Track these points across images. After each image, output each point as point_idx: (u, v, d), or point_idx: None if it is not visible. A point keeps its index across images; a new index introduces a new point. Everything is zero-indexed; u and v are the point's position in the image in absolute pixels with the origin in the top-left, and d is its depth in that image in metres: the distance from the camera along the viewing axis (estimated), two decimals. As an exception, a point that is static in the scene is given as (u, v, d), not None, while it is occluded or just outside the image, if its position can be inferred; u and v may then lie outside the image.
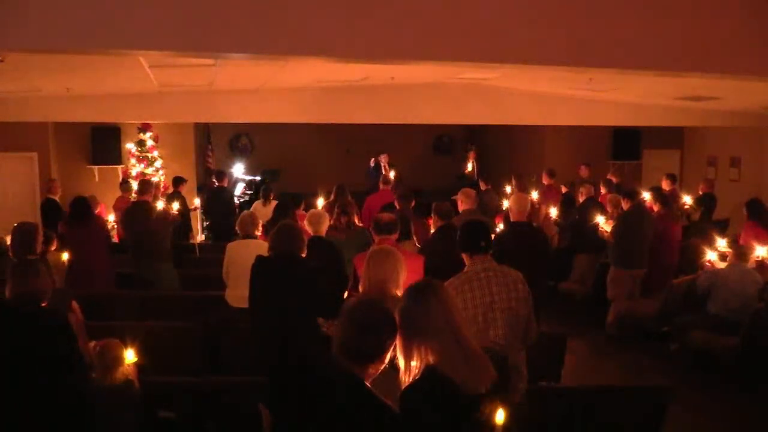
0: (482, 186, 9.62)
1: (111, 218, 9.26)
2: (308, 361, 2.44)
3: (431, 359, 2.29)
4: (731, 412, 5.28)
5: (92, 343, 3.58)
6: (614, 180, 9.73)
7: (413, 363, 2.32)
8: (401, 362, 2.34)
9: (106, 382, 3.40)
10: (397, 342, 2.32)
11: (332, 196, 7.39)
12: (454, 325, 2.36)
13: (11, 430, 3.10)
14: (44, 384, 3.11)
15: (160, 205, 7.37)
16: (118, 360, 3.46)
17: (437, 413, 2.23)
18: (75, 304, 4.00)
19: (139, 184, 7.34)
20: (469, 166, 13.52)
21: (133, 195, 10.06)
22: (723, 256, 6.68)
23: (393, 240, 4.39)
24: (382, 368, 2.28)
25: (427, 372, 2.28)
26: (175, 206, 8.28)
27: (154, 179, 10.44)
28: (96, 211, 8.26)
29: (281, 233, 4.07)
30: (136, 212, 6.80)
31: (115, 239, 8.72)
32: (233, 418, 3.75)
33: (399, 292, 3.15)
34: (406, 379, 2.34)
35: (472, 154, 13.55)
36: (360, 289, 3.30)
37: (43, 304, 3.29)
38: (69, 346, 3.24)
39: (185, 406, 3.81)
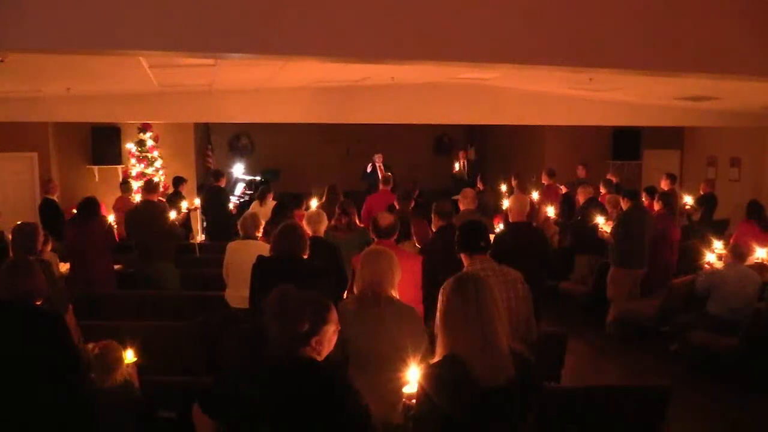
0: (480, 186, 9.64)
1: (111, 218, 9.25)
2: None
3: (455, 347, 2.32)
4: (731, 412, 5.29)
5: (90, 345, 3.57)
6: (614, 180, 9.72)
7: (440, 350, 2.36)
8: (437, 348, 2.39)
9: (105, 384, 3.40)
10: (437, 329, 2.39)
11: (324, 197, 7.39)
12: (487, 317, 2.37)
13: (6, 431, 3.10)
14: (39, 383, 3.11)
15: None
16: (118, 362, 3.46)
17: (448, 396, 2.25)
18: (69, 308, 4.00)
19: (146, 184, 7.34)
20: (457, 166, 13.52)
21: (133, 195, 10.09)
22: (721, 257, 6.69)
23: (392, 242, 4.39)
24: (322, 353, 2.29)
25: (446, 357, 2.32)
26: (185, 205, 8.32)
27: (155, 179, 10.44)
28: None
29: (284, 234, 4.06)
30: (142, 211, 6.80)
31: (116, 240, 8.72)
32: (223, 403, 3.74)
33: (393, 293, 3.15)
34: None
35: (462, 154, 13.56)
36: (354, 289, 3.30)
37: (38, 303, 3.28)
38: (64, 346, 3.23)
39: (185, 406, 3.80)
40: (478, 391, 2.26)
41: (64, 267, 6.33)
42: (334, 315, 2.35)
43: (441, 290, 2.46)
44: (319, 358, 2.28)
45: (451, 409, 2.24)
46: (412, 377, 2.60)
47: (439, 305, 2.42)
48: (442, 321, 2.38)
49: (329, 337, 2.31)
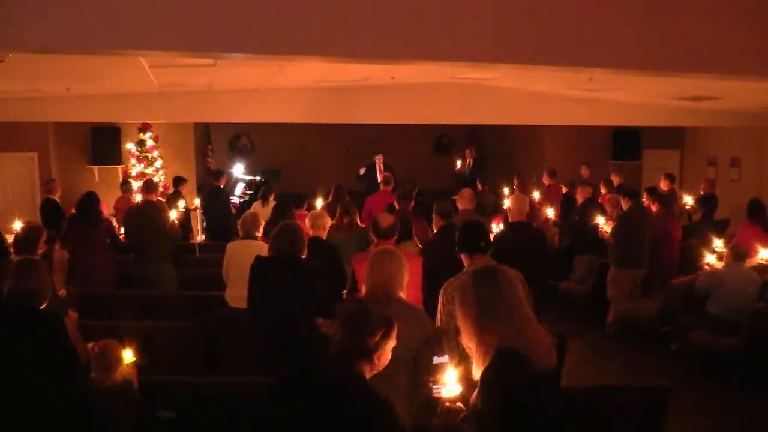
0: (479, 186, 9.63)
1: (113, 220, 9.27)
2: (309, 361, 2.45)
3: (501, 340, 2.27)
4: (731, 411, 5.28)
5: (90, 344, 3.58)
6: (617, 180, 9.69)
7: (483, 348, 2.30)
8: (472, 348, 2.32)
9: (105, 383, 3.40)
10: (466, 327, 2.33)
11: (330, 197, 7.42)
12: (521, 304, 2.36)
13: (6, 431, 3.11)
14: (38, 383, 3.11)
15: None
16: (118, 361, 3.46)
17: (519, 387, 2.20)
18: (72, 313, 4.02)
19: (144, 184, 7.33)
20: (458, 164, 13.48)
21: (134, 195, 10.09)
22: (721, 257, 6.69)
23: (392, 243, 4.38)
24: (377, 367, 2.33)
25: (501, 351, 2.25)
26: (181, 204, 8.31)
27: (155, 179, 10.45)
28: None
29: (282, 234, 4.07)
30: (141, 211, 6.80)
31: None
32: (233, 418, 3.75)
33: (402, 294, 3.15)
34: (478, 364, 2.32)
35: (468, 153, 13.54)
36: (363, 290, 3.29)
37: (43, 306, 3.29)
38: (63, 346, 3.24)
39: (185, 406, 3.81)
40: (538, 378, 2.22)
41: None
42: (395, 332, 2.40)
43: (444, 290, 2.42)
44: (371, 374, 2.32)
45: (520, 405, 2.16)
46: (449, 380, 2.52)
47: (471, 301, 2.34)
48: (476, 317, 2.30)
49: (387, 353, 2.37)
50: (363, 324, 2.32)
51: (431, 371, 2.62)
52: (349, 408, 2.18)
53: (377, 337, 2.31)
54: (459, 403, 2.38)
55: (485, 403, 2.20)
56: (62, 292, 5.48)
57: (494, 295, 2.33)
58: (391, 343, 2.37)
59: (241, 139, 15.38)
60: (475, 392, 2.27)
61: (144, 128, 11.36)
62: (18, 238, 4.65)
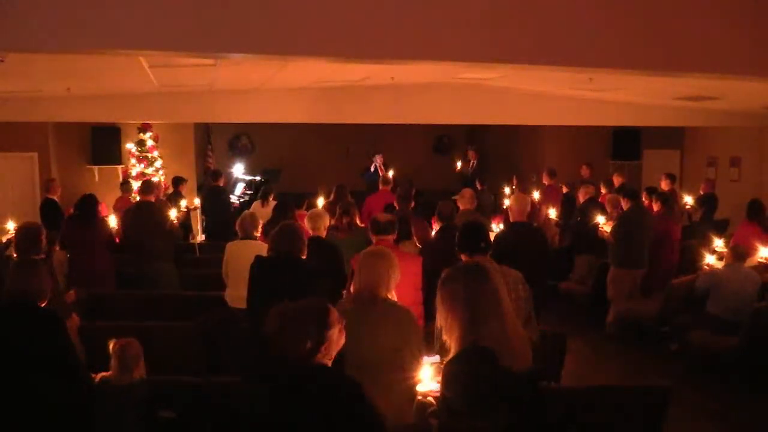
0: (478, 186, 9.62)
1: (112, 219, 9.25)
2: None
3: (478, 336, 2.29)
4: (731, 412, 5.29)
5: (111, 342, 3.61)
6: (619, 181, 9.67)
7: (458, 342, 2.32)
8: (452, 343, 2.34)
9: (124, 382, 3.44)
10: (447, 322, 2.34)
11: (332, 196, 7.42)
12: (507, 304, 2.37)
13: (4, 430, 3.11)
14: (38, 383, 3.12)
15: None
16: (137, 359, 3.51)
17: (478, 380, 2.22)
18: (74, 317, 4.02)
19: (143, 184, 7.33)
20: (458, 165, 13.49)
21: (133, 195, 10.09)
22: (721, 257, 6.69)
23: (390, 241, 4.38)
24: (331, 355, 2.30)
25: (471, 347, 2.28)
26: (183, 203, 8.32)
27: (155, 179, 10.45)
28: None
29: (282, 233, 4.07)
30: (139, 212, 6.79)
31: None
32: (233, 418, 3.75)
33: (390, 295, 3.15)
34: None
35: (472, 154, 13.55)
36: (351, 289, 3.29)
37: (42, 304, 3.30)
38: (64, 346, 3.24)
39: (185, 406, 3.81)
40: (506, 378, 2.22)
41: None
42: (334, 316, 2.33)
43: (442, 284, 2.41)
44: (329, 362, 2.29)
45: (481, 400, 2.19)
46: (424, 376, 2.55)
47: (461, 296, 2.34)
48: (460, 312, 2.31)
49: (336, 338, 2.31)
50: (300, 325, 2.25)
51: (415, 370, 2.64)
52: (349, 408, 2.18)
53: (310, 342, 2.23)
54: (431, 398, 2.40)
55: (445, 394, 2.24)
56: (70, 294, 5.49)
57: (484, 292, 2.34)
58: (334, 329, 2.30)
59: (241, 139, 15.38)
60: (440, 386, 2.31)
61: (144, 128, 11.36)
62: (17, 238, 4.62)
